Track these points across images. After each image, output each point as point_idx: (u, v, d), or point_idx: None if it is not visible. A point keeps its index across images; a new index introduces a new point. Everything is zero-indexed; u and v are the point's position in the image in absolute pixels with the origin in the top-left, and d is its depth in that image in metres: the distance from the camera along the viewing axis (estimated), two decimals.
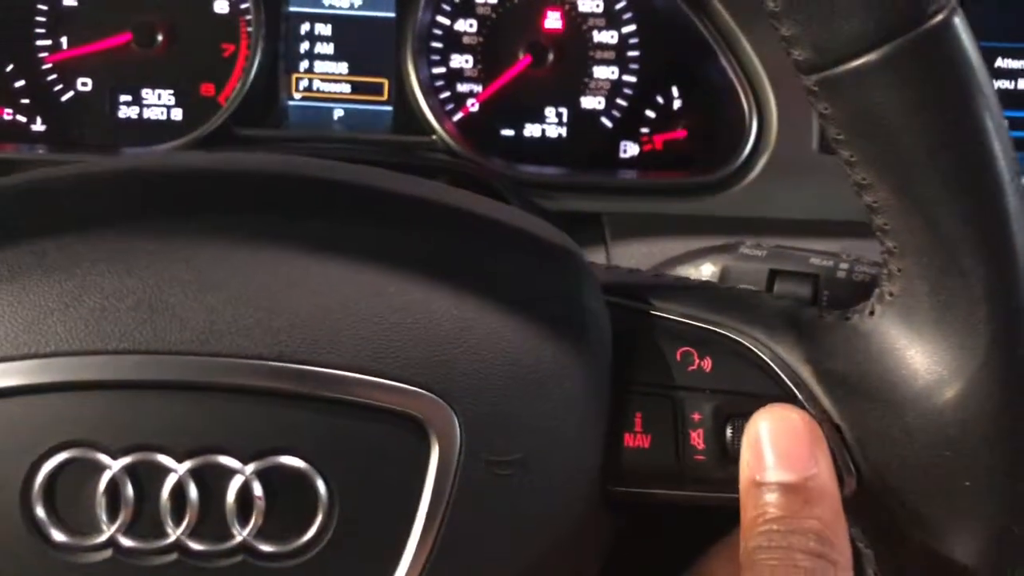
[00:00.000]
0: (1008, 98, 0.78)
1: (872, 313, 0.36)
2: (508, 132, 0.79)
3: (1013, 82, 0.78)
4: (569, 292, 0.36)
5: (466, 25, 0.78)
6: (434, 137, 0.75)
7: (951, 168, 0.32)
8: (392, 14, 0.76)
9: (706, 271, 0.54)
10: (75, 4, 0.76)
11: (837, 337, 0.36)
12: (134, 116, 0.77)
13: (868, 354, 0.35)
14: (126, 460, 0.31)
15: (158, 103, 0.77)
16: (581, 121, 0.79)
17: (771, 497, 0.34)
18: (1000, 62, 0.78)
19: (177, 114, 0.77)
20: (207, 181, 0.36)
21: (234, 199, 0.36)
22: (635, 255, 0.71)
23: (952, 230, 0.33)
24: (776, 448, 0.34)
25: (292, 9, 0.76)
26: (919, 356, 0.34)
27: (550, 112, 0.79)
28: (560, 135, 0.79)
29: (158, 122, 0.77)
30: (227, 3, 0.76)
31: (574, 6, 0.78)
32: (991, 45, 0.78)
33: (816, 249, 0.52)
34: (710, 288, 0.42)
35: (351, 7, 0.76)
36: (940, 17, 0.31)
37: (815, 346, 0.36)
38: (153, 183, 0.36)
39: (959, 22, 0.32)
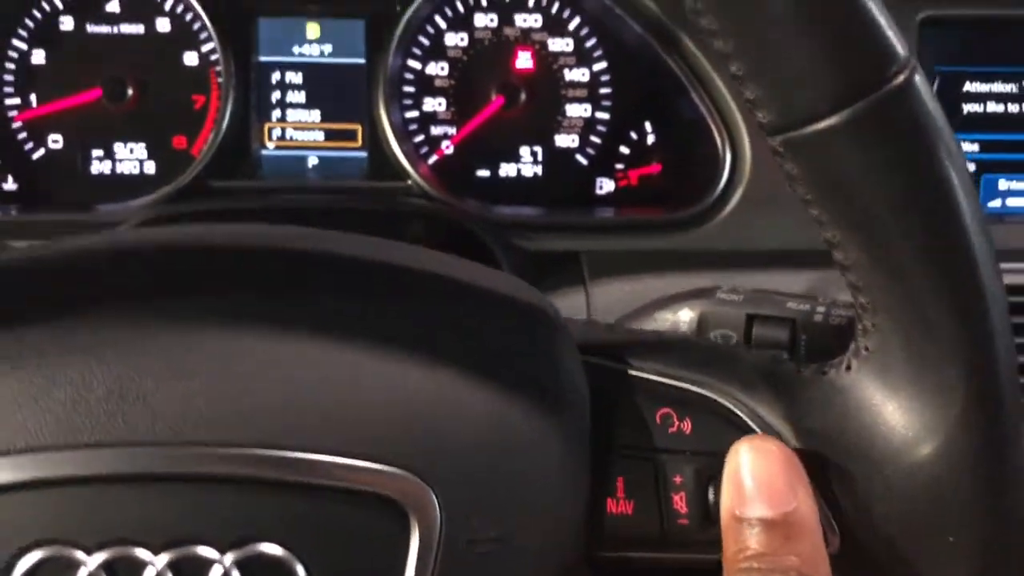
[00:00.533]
0: (976, 122, 0.79)
1: (849, 368, 0.36)
2: (484, 173, 0.79)
3: (981, 105, 0.79)
4: (545, 358, 0.36)
5: (437, 68, 0.78)
6: (409, 182, 0.75)
7: (918, 228, 0.32)
8: (362, 60, 0.76)
9: (684, 316, 0.54)
10: (43, 62, 0.75)
11: (815, 393, 0.36)
12: (107, 171, 0.76)
13: (846, 410, 0.35)
14: (102, 556, 0.31)
15: (130, 157, 0.76)
16: (556, 159, 0.79)
17: (751, 533, 0.34)
18: (968, 86, 0.79)
19: (150, 168, 0.77)
20: (172, 260, 0.36)
21: (201, 279, 0.35)
22: (615, 293, 0.71)
23: (922, 288, 0.33)
24: (755, 481, 0.34)
25: (262, 59, 0.76)
26: (896, 412, 0.34)
27: (525, 151, 0.79)
28: (535, 174, 0.79)
29: (131, 177, 0.76)
30: (196, 55, 0.76)
31: (544, 45, 0.78)
32: (958, 69, 0.78)
33: (793, 292, 0.52)
34: (688, 344, 0.42)
35: (321, 55, 0.76)
36: (901, 78, 0.32)
37: (794, 403, 0.36)
38: (117, 265, 0.36)
39: (919, 80, 0.32)
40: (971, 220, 0.32)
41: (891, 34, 0.32)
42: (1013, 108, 0.79)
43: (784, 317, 0.49)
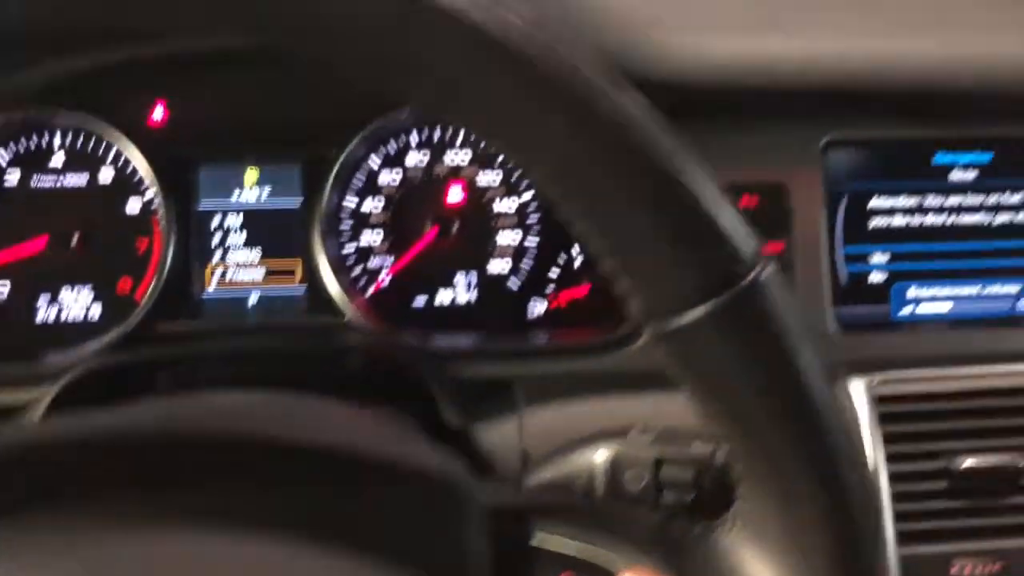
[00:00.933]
0: (884, 234, 0.83)
1: (732, 528, 0.39)
2: (420, 302, 0.82)
3: (888, 219, 0.84)
4: (450, 535, 0.39)
5: (373, 204, 0.81)
6: (347, 316, 0.78)
7: (776, 409, 0.36)
8: (300, 201, 0.80)
9: (599, 457, 0.57)
10: None
11: (702, 554, 0.39)
12: (52, 319, 0.79)
13: (727, 570, 0.38)
14: None
15: (76, 304, 0.79)
16: (489, 285, 0.83)
17: None
18: (874, 201, 0.84)
19: (95, 313, 0.79)
20: (59, 462, 0.38)
21: (107, 473, 0.37)
22: (547, 419, 0.74)
23: (786, 463, 0.36)
24: None
25: (202, 205, 0.79)
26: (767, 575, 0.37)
27: (459, 279, 0.83)
28: (470, 300, 0.83)
29: (76, 323, 0.79)
30: (139, 203, 0.79)
31: (474, 179, 0.82)
32: (864, 186, 0.83)
33: (701, 430, 0.55)
34: (589, 506, 0.45)
35: (260, 198, 0.80)
36: (752, 276, 0.35)
37: (683, 564, 0.39)
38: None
39: (769, 277, 0.36)
40: (822, 401, 0.36)
41: (742, 235, 0.36)
42: (917, 220, 0.84)
43: (689, 459, 0.52)
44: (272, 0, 0.32)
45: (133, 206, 0.79)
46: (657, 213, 0.35)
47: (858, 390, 0.77)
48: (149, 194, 0.79)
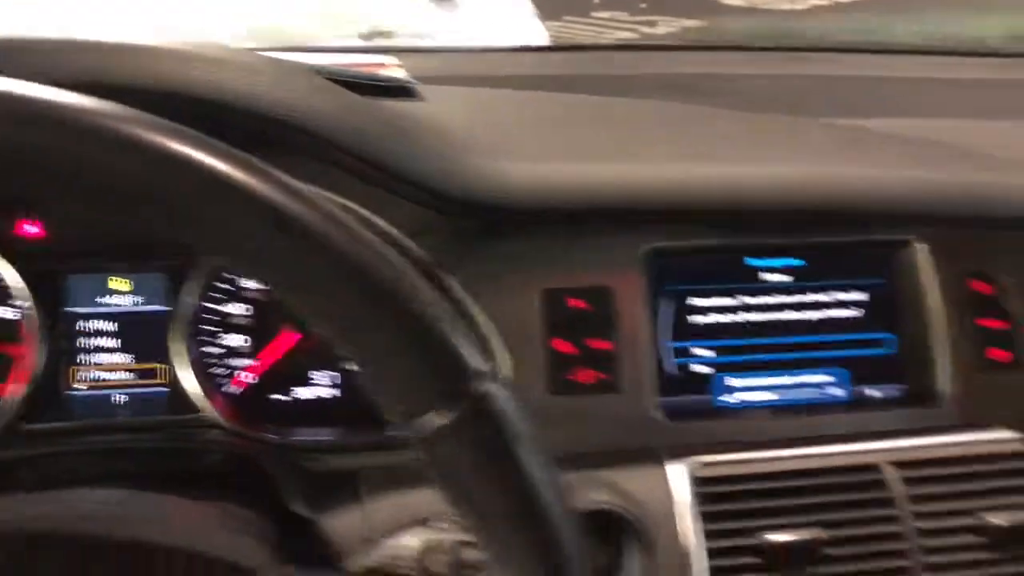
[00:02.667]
0: (703, 330, 0.92)
1: None
2: (279, 399, 0.88)
3: (710, 317, 0.93)
4: None
5: (235, 308, 0.88)
6: (206, 414, 0.83)
7: (514, 511, 0.43)
8: (164, 306, 0.86)
9: (411, 543, 0.63)
10: None
11: None
12: None
13: None
14: None
15: None
16: (348, 381, 0.89)
17: None
18: (696, 301, 0.93)
19: None
20: None
21: None
22: (388, 507, 0.80)
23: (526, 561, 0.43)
24: None
25: (69, 309, 0.84)
26: None
27: (318, 377, 0.89)
28: (333, 396, 0.89)
29: None
30: (8, 311, 0.84)
31: None
32: (686, 287, 0.93)
33: None
34: None
35: (126, 304, 0.85)
36: (480, 391, 0.43)
37: None
38: None
39: (497, 391, 0.43)
40: (550, 502, 0.43)
41: (468, 354, 0.43)
42: (737, 317, 0.94)
43: None
44: None
45: (3, 312, 0.84)
46: (392, 338, 0.42)
47: (681, 473, 0.84)
48: (19, 301, 0.84)
